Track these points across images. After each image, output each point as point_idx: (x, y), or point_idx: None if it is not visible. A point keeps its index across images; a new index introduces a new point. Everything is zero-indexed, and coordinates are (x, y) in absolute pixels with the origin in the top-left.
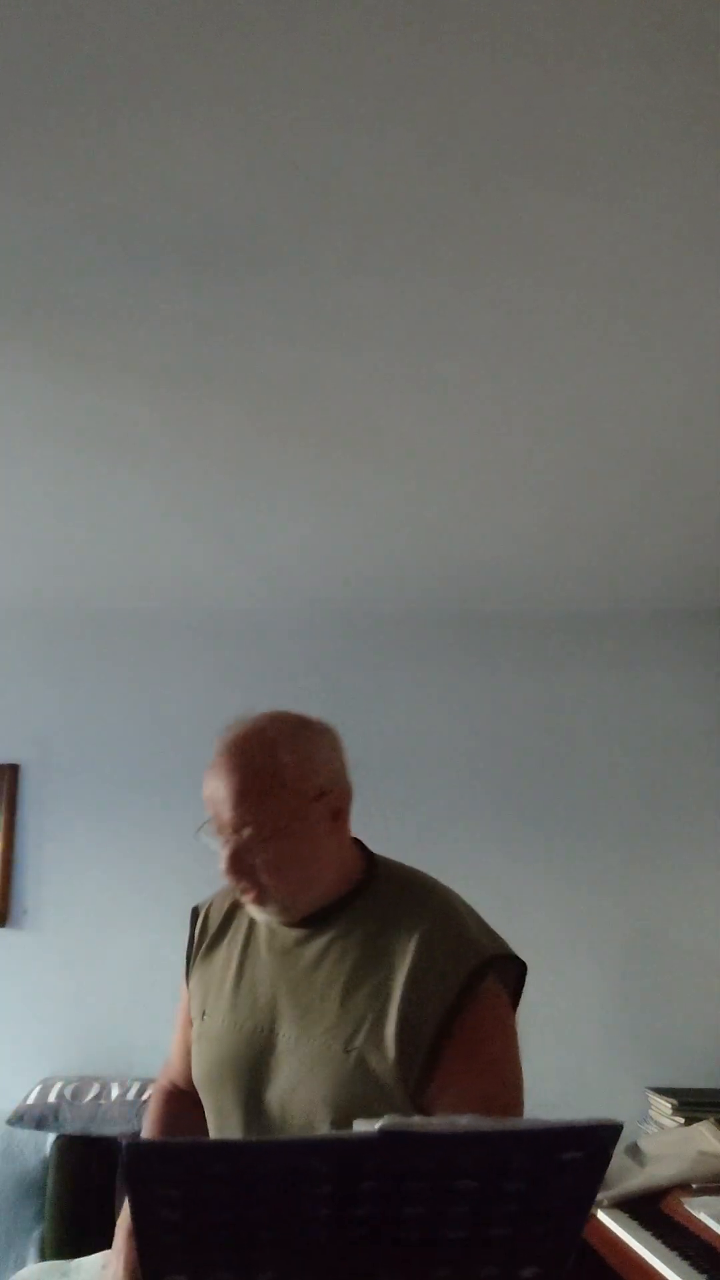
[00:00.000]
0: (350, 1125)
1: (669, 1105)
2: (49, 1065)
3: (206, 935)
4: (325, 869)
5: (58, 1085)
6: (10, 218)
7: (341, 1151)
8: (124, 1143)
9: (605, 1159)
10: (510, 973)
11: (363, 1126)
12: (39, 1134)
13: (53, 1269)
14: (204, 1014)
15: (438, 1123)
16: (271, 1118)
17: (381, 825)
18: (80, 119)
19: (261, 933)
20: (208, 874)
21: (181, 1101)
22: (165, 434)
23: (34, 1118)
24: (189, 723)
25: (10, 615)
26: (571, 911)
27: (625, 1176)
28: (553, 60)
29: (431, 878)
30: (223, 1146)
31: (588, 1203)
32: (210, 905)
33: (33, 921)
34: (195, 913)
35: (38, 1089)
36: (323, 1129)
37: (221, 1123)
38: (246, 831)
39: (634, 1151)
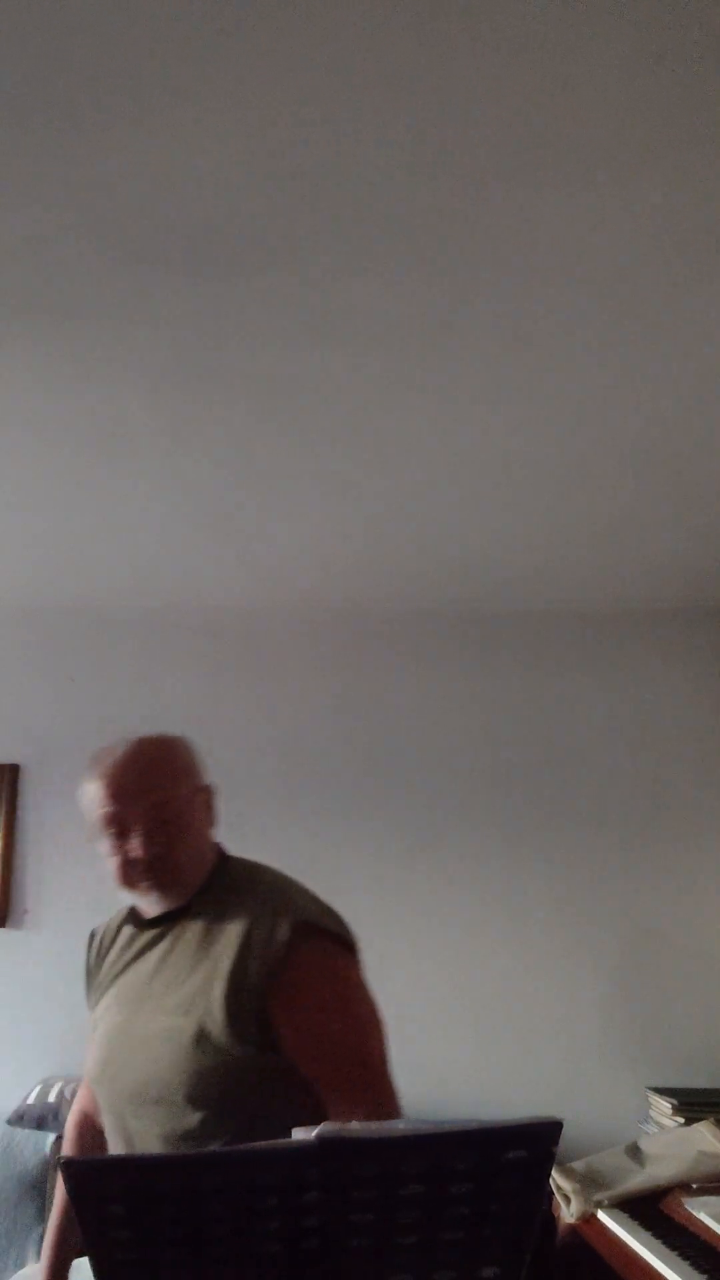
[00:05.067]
0: (202, 1091)
1: (669, 1105)
2: (49, 1065)
3: (100, 954)
4: (204, 856)
5: (58, 1085)
6: (10, 218)
7: (282, 1162)
8: (60, 1160)
9: (550, 1156)
10: (342, 940)
11: (301, 1135)
12: (39, 1134)
13: None
14: (95, 1025)
15: (375, 1128)
16: (136, 1100)
17: (381, 824)
18: (80, 119)
19: (126, 943)
20: None
21: (89, 1128)
22: (165, 433)
23: (34, 1118)
24: (189, 722)
25: (10, 615)
26: (571, 911)
27: (625, 1176)
28: (553, 60)
29: (273, 868)
30: (163, 1161)
31: (538, 1201)
32: (105, 927)
33: (33, 921)
34: (91, 936)
35: (38, 1089)
36: (179, 1099)
37: (105, 1114)
38: (157, 813)
39: (634, 1151)
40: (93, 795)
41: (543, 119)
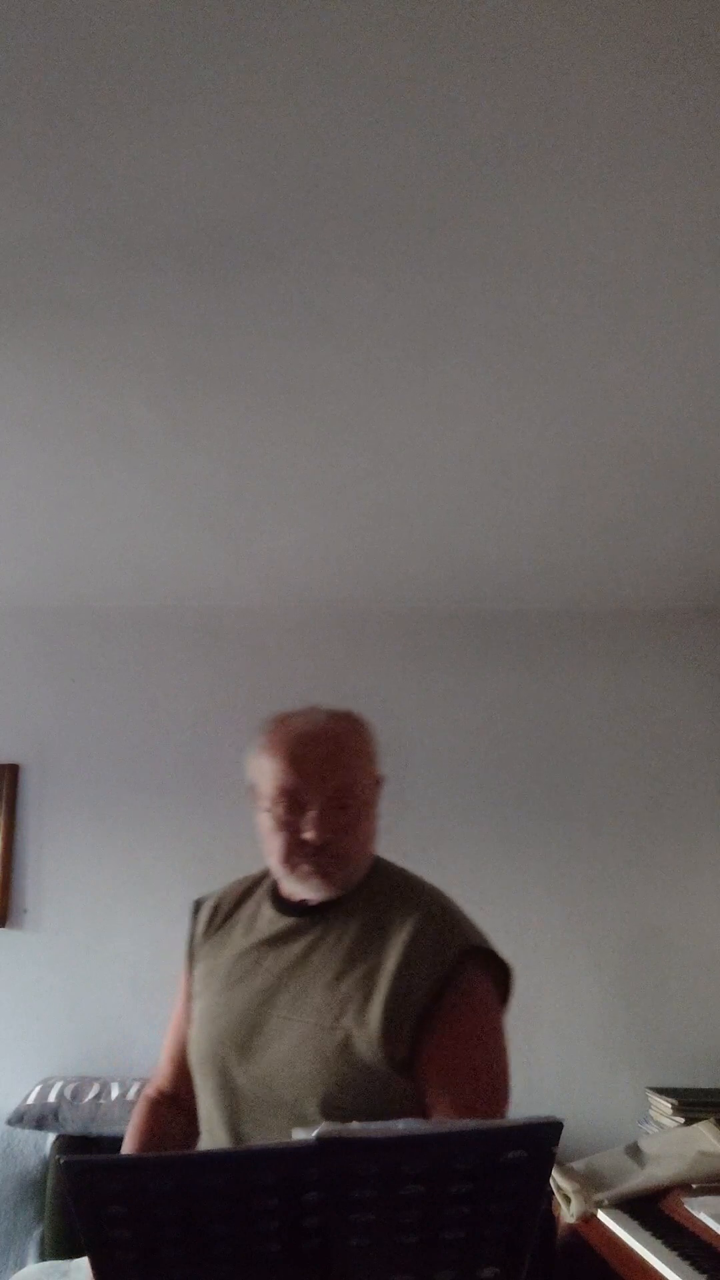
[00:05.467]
0: (337, 1103)
1: (669, 1105)
2: (49, 1065)
3: (212, 926)
4: (369, 851)
5: (58, 1085)
6: (9, 218)
7: (281, 1162)
8: (61, 1160)
9: (550, 1156)
10: (498, 969)
11: (300, 1135)
12: (39, 1134)
13: (52, 1269)
14: (202, 999)
15: (375, 1128)
16: (259, 1098)
17: (380, 824)
18: (79, 118)
19: (261, 922)
20: (208, 873)
21: (165, 1109)
22: (165, 433)
23: (34, 1118)
24: (188, 722)
25: (9, 614)
26: (571, 911)
27: (625, 1176)
28: (553, 60)
29: (423, 879)
30: (163, 1161)
31: (538, 1201)
32: (219, 897)
33: (33, 921)
34: (198, 905)
35: (38, 1089)
36: (310, 1108)
37: (212, 1103)
38: (339, 796)
39: (634, 1151)
40: (268, 766)
41: (542, 119)
